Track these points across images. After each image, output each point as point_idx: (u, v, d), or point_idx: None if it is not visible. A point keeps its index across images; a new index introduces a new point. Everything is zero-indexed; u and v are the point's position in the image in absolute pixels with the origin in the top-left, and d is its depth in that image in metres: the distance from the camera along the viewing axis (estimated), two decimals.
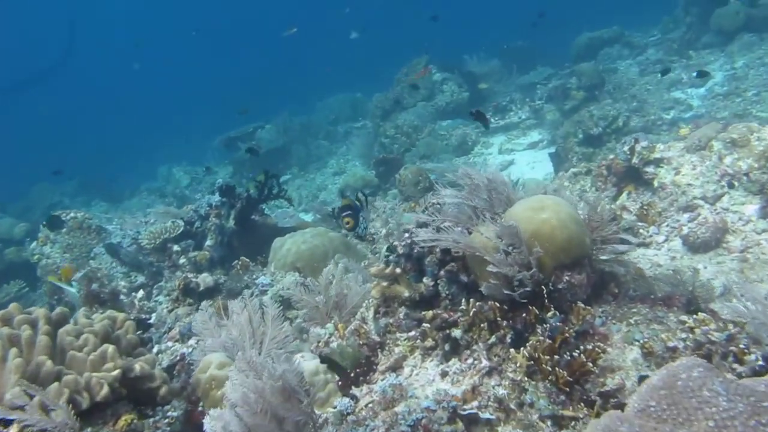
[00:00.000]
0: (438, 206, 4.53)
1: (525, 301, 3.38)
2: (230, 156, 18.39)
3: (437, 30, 18.81)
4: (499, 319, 3.60)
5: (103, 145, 32.43)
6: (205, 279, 6.06)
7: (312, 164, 17.23)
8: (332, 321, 4.56)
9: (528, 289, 3.38)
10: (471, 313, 3.77)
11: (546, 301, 3.36)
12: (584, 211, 3.95)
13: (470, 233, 3.86)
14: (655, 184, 5.96)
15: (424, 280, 4.24)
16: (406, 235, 4.44)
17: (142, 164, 24.90)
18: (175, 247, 7.81)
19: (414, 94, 14.34)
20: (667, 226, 5.57)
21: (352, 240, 7.22)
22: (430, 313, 4.13)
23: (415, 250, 4.38)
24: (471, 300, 3.84)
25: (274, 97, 23.57)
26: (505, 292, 3.39)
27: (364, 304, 4.46)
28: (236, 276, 7.52)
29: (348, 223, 5.13)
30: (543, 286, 3.40)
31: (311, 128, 19.24)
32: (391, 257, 4.44)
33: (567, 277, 3.44)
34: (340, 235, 7.13)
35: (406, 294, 4.22)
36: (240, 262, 7.54)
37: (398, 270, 4.34)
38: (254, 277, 7.39)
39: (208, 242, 7.86)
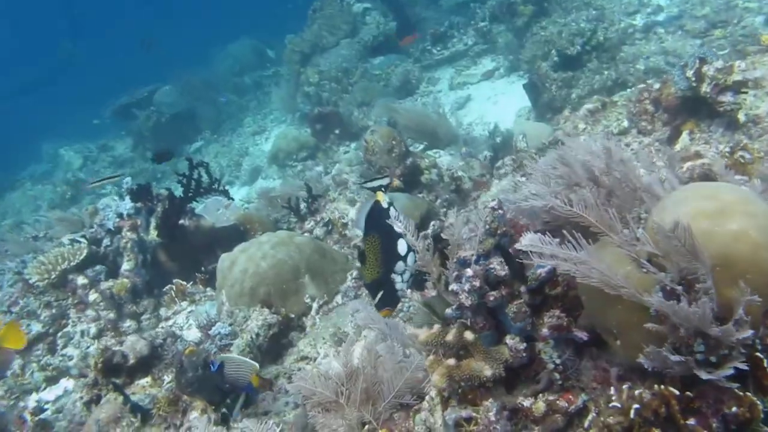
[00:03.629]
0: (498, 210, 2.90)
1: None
2: (126, 126, 15.86)
3: None
4: (678, 416, 2.02)
5: None
6: (135, 345, 4.12)
7: (224, 125, 15.01)
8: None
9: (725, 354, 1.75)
10: (632, 411, 2.11)
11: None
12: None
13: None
14: (740, 117, 4.35)
15: (508, 340, 2.55)
16: (473, 268, 2.73)
17: (20, 145, 21.19)
18: (80, 279, 5.75)
19: (335, 31, 12.26)
20: None
21: (324, 244, 5.39)
22: (540, 405, 2.52)
23: (492, 298, 2.71)
24: (624, 388, 2.24)
25: (167, 54, 20.77)
26: (674, 359, 1.94)
27: (426, 401, 2.69)
28: (169, 305, 5.63)
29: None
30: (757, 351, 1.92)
31: (215, 83, 16.84)
32: (450, 312, 2.72)
33: None
34: (309, 239, 5.28)
35: (488, 372, 2.51)
36: (174, 287, 5.63)
37: (468, 335, 2.64)
38: (198, 306, 5.52)
39: (126, 265, 5.85)
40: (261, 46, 17.71)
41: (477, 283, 2.66)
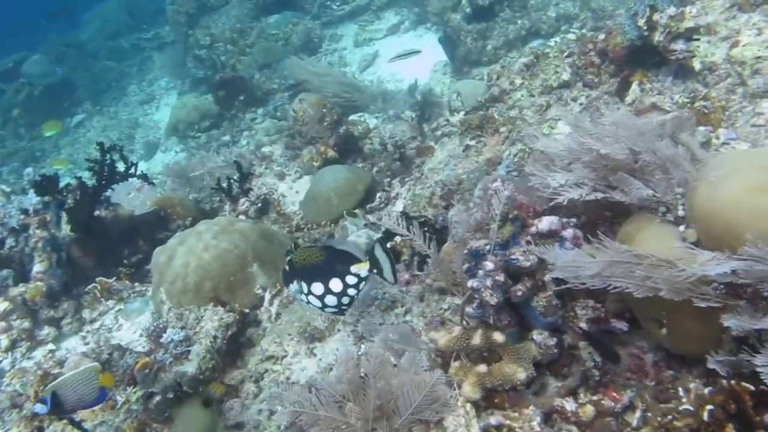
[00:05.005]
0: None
1: None
2: None
3: None
4: (751, 412, 1.94)
5: None
6: (78, 365, 3.63)
7: (105, 94, 13.90)
8: None
9: None
10: (705, 414, 2.03)
11: None
12: None
13: None
14: (695, 65, 4.28)
15: (535, 336, 2.36)
16: (492, 260, 2.50)
17: None
18: None
19: None
20: (746, 123, 3.95)
21: (269, 228, 5.00)
22: (588, 410, 2.35)
23: (519, 293, 2.50)
24: (692, 387, 2.09)
25: (27, 18, 18.91)
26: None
27: (461, 414, 2.46)
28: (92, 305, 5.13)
29: None
30: None
31: (89, 49, 15.55)
32: (471, 311, 2.51)
33: None
34: (251, 223, 4.86)
35: (522, 375, 2.32)
36: (98, 285, 5.11)
37: (498, 337, 2.42)
38: (127, 304, 5.04)
39: (38, 266, 5.21)
40: (133, 5, 16.41)
41: (500, 278, 2.43)
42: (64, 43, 15.19)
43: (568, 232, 2.52)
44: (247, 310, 4.26)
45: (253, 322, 4.29)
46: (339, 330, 3.78)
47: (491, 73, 5.95)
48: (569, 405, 2.36)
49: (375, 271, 2.54)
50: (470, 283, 2.46)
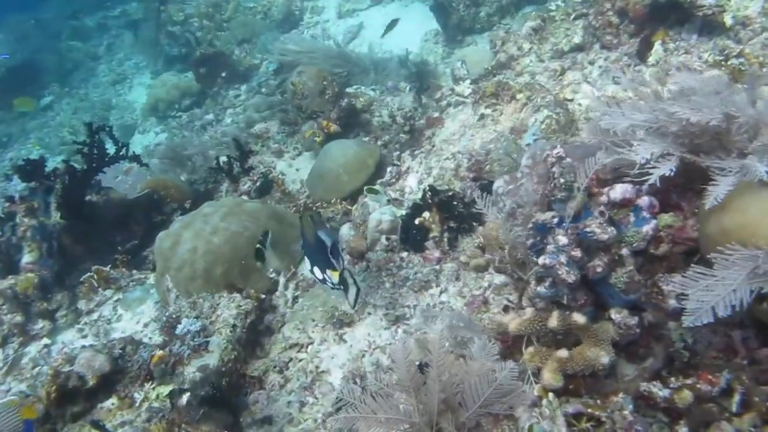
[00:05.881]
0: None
1: None
2: None
3: None
4: None
5: None
6: (91, 362, 3.36)
7: (72, 75, 13.33)
8: None
9: None
10: None
11: None
12: None
13: None
14: (726, 20, 4.09)
15: (614, 315, 2.18)
16: (565, 234, 2.30)
17: None
18: None
19: None
20: None
21: (278, 208, 4.74)
22: (686, 395, 2.18)
23: (599, 269, 2.29)
24: None
25: None
26: None
27: (544, 406, 2.27)
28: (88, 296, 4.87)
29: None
30: None
31: (51, 28, 14.91)
32: (543, 290, 2.31)
33: None
34: (260, 204, 4.60)
35: (605, 359, 2.14)
36: (95, 273, 4.83)
37: (578, 318, 2.22)
38: (126, 293, 4.79)
39: (28, 257, 4.88)
40: None
41: (577, 254, 2.22)
42: (33, 18, 14.53)
43: (644, 201, 2.31)
44: (263, 296, 4.02)
45: (270, 308, 4.04)
46: (369, 314, 3.55)
47: (494, 39, 5.73)
48: (659, 390, 2.16)
49: (341, 288, 2.90)
50: (541, 259, 2.25)
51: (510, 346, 2.40)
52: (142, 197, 5.42)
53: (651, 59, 4.35)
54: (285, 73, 7.67)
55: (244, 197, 5.18)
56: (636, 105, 2.32)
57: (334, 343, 3.55)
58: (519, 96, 4.49)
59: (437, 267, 3.55)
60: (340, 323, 3.57)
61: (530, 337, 2.34)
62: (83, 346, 3.64)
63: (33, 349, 4.79)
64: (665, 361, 2.30)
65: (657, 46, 4.36)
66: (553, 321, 2.25)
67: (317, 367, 3.47)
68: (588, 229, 2.27)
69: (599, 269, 2.24)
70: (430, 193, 3.65)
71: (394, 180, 4.81)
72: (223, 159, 5.25)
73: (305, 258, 3.08)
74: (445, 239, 3.62)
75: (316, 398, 3.33)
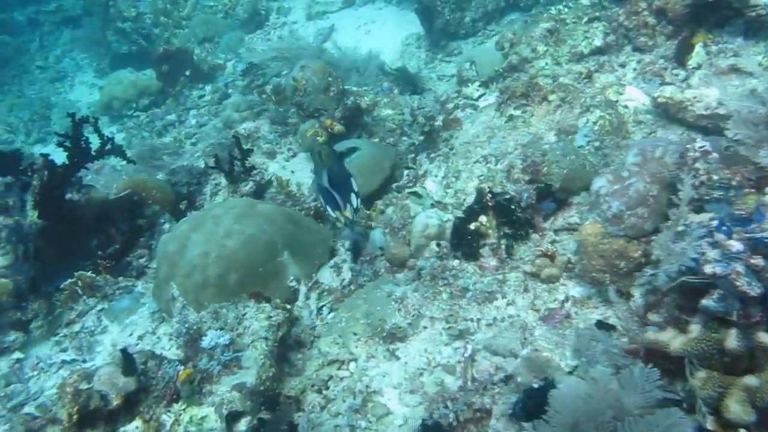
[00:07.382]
0: None
1: None
2: None
3: None
4: None
5: None
6: (114, 380, 2.88)
7: (3, 72, 12.40)
8: None
9: None
10: None
11: None
12: None
13: None
14: None
15: None
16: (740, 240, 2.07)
17: None
18: None
19: None
20: None
21: (293, 211, 4.35)
22: None
23: None
24: None
25: None
26: None
27: None
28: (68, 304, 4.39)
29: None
30: None
31: None
32: (711, 304, 2.07)
33: None
34: (274, 206, 4.21)
35: None
36: (78, 280, 4.34)
37: (764, 338, 1.98)
38: (113, 302, 4.32)
39: (1, 260, 4.31)
40: None
41: (759, 262, 1.97)
42: None
43: None
44: (289, 306, 3.62)
45: (293, 320, 3.66)
46: (425, 328, 3.21)
47: (502, 40, 5.51)
48: None
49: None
50: (709, 268, 1.99)
51: (673, 370, 2.10)
52: (121, 199, 4.91)
53: (692, 62, 4.22)
54: (254, 73, 7.29)
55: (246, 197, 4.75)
56: None
57: (384, 360, 3.20)
58: (551, 97, 4.29)
59: (500, 277, 3.26)
60: (391, 337, 3.22)
61: (692, 359, 2.06)
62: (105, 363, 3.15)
63: (3, 364, 4.23)
64: None
65: (698, 48, 4.23)
66: (732, 341, 1.98)
67: (367, 387, 3.11)
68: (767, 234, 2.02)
69: None
70: (489, 195, 3.35)
71: (411, 184, 4.51)
72: (223, 157, 4.79)
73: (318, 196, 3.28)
74: (503, 246, 3.34)
75: (369, 422, 2.98)
